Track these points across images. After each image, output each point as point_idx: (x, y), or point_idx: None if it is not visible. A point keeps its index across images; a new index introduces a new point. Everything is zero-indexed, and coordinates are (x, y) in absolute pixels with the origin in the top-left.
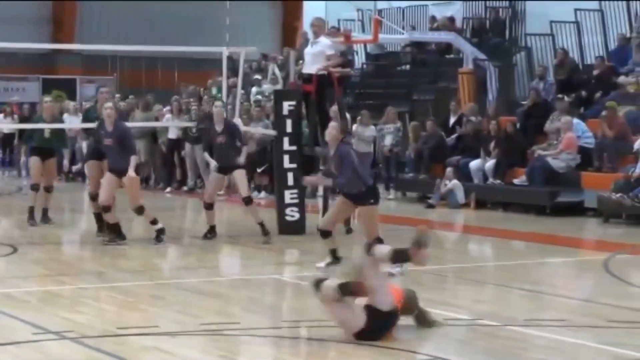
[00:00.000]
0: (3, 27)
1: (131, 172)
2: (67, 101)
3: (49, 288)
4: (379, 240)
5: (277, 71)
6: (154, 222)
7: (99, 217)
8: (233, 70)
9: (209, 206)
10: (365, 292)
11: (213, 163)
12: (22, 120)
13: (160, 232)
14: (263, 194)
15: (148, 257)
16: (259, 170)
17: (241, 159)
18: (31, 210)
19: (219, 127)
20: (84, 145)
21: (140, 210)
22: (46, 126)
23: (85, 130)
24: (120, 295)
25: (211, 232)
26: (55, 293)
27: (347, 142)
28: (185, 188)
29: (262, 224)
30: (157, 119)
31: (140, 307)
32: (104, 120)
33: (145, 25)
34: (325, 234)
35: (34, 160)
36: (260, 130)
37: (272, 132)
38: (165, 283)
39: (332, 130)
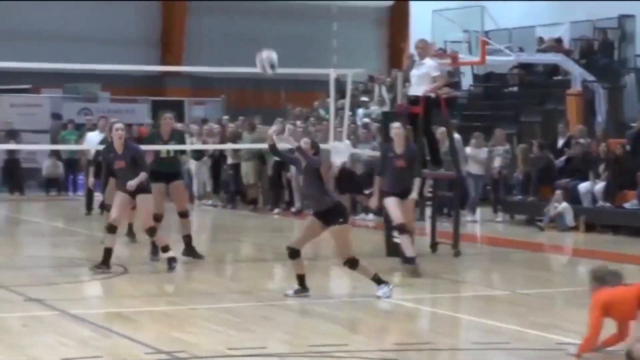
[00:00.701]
0: (113, 49)
1: (131, 182)
2: (175, 123)
3: (159, 308)
4: (354, 261)
5: (384, 93)
6: (165, 249)
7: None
8: (340, 92)
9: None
10: None
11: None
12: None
13: (172, 261)
14: (371, 215)
15: (256, 278)
16: (366, 192)
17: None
18: (130, 227)
19: (399, 150)
20: None
21: (151, 231)
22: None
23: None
24: (229, 316)
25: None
26: (165, 313)
27: (318, 157)
28: (293, 209)
29: (410, 258)
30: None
31: (249, 328)
32: (112, 143)
33: (252, 45)
34: (293, 252)
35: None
36: (367, 152)
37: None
38: (273, 304)
39: (302, 144)
